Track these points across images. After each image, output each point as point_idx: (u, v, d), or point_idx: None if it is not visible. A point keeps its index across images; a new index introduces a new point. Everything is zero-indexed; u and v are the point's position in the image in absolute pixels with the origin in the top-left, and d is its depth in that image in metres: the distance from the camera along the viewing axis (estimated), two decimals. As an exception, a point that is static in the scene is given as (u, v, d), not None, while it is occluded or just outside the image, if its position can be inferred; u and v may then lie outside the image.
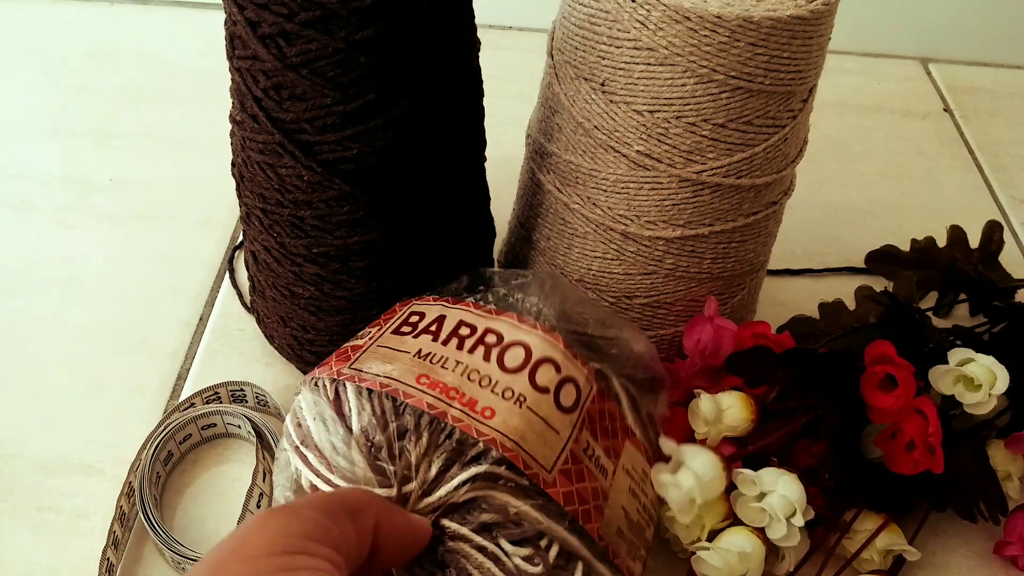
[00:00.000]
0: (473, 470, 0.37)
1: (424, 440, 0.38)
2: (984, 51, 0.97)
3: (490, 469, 0.37)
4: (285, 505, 0.31)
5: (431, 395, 0.39)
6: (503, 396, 0.40)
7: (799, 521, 0.47)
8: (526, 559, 0.37)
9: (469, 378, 0.40)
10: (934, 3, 0.95)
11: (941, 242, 0.68)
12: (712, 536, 0.49)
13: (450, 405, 0.39)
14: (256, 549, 0.28)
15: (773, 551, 0.49)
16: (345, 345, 0.45)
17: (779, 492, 0.48)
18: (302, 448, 0.41)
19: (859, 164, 0.83)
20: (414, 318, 0.44)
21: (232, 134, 0.52)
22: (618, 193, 0.51)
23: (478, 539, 0.37)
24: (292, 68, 0.44)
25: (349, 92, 0.44)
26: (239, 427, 0.55)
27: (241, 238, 0.69)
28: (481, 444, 0.38)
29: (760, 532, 0.48)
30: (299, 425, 0.42)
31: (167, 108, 0.82)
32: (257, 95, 0.46)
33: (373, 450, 0.39)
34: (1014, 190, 0.81)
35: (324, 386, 0.42)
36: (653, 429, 0.48)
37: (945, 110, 0.91)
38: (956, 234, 0.68)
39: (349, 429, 0.40)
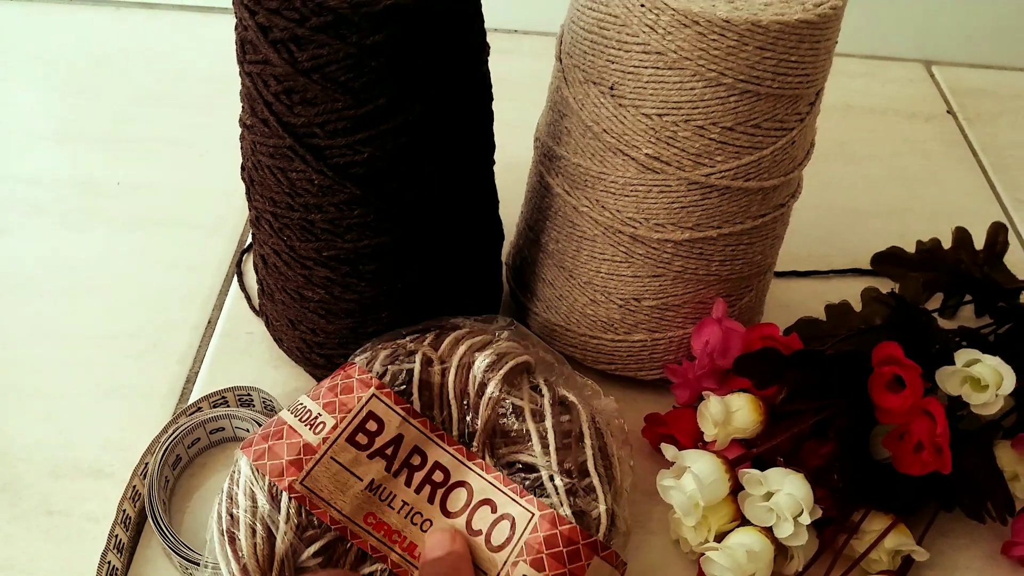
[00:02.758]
0: None
1: None
2: (987, 53, 0.98)
3: None
4: None
5: (375, 537, 0.43)
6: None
7: (806, 520, 0.47)
8: None
9: (412, 520, 0.44)
10: (937, 6, 0.95)
11: (946, 244, 0.68)
12: (721, 537, 0.49)
13: (391, 549, 0.43)
14: None
15: (782, 551, 0.49)
16: (291, 427, 0.45)
17: (785, 491, 0.48)
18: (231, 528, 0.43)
19: (864, 166, 0.83)
20: (372, 424, 0.45)
21: (242, 138, 0.52)
22: (627, 196, 0.51)
23: None
24: (303, 73, 0.44)
25: (360, 96, 0.44)
26: (248, 431, 0.55)
27: (249, 241, 0.69)
28: None
29: (768, 532, 0.48)
30: (231, 499, 0.43)
31: (175, 112, 0.82)
32: (268, 99, 0.46)
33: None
34: (1018, 191, 0.82)
35: (270, 486, 0.43)
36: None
37: (949, 112, 0.91)
38: (961, 236, 0.68)
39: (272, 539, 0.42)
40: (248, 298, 0.66)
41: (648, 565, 0.52)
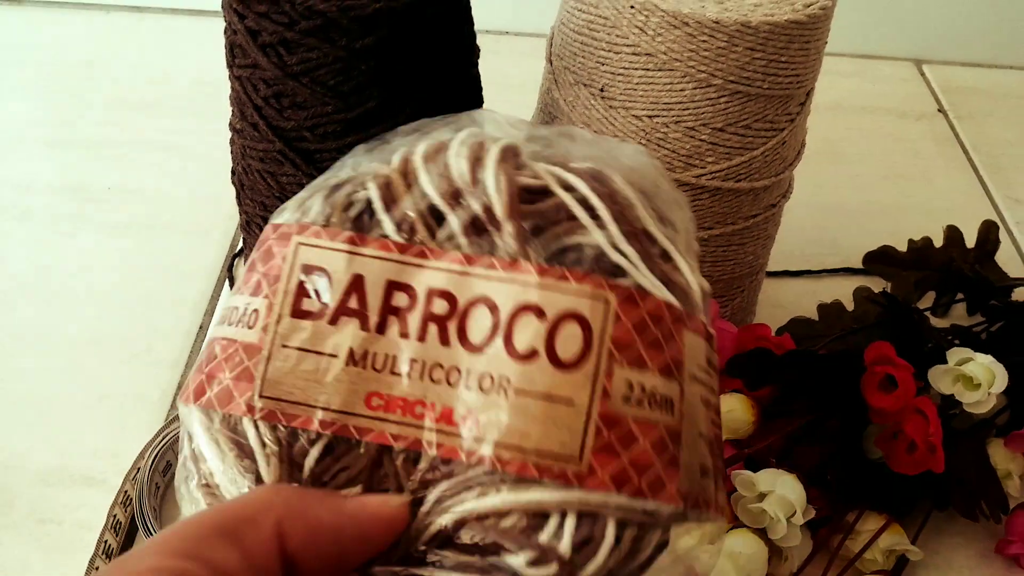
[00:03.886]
0: (470, 505, 0.28)
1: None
2: (977, 52, 0.98)
3: (492, 506, 0.27)
4: (119, 560, 0.23)
5: (391, 422, 0.29)
6: (481, 389, 0.29)
7: (799, 521, 0.47)
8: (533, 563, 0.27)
9: (433, 378, 0.29)
10: (927, 4, 0.95)
11: (938, 242, 0.68)
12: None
13: (420, 428, 0.29)
14: None
15: (776, 553, 0.49)
16: (222, 337, 0.32)
17: (778, 492, 0.48)
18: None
19: (855, 165, 0.83)
20: (314, 279, 0.31)
21: (232, 142, 0.52)
22: (618, 197, 0.51)
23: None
24: (293, 76, 0.44)
25: (350, 100, 0.44)
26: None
27: (240, 245, 0.69)
28: (471, 472, 0.28)
29: (761, 533, 0.48)
30: (195, 459, 0.32)
31: (165, 116, 0.82)
32: (257, 103, 0.46)
33: None
34: (1009, 190, 0.82)
35: (225, 422, 0.31)
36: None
37: (939, 111, 0.91)
38: (953, 234, 0.68)
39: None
40: (239, 302, 0.65)
41: (642, 567, 0.52)
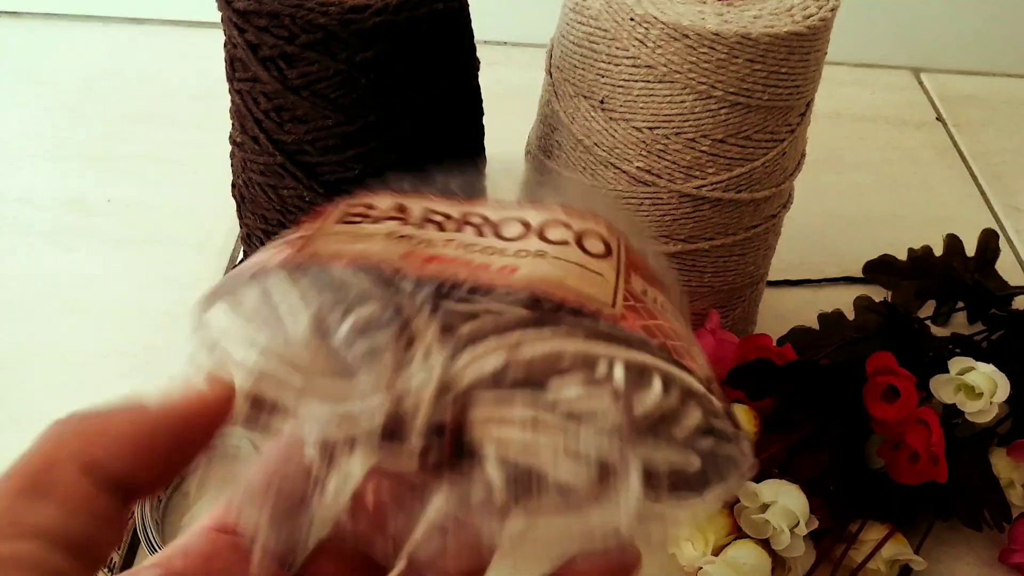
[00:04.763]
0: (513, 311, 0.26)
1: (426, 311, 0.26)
2: (975, 60, 0.98)
3: (532, 314, 0.26)
4: None
5: (428, 268, 0.27)
6: (518, 255, 0.28)
7: (803, 531, 0.47)
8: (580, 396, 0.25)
9: (468, 251, 0.28)
10: (925, 13, 0.96)
11: (938, 251, 0.68)
12: (718, 551, 0.49)
13: (456, 270, 0.27)
14: None
15: (780, 563, 0.49)
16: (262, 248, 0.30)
17: (781, 503, 0.48)
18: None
19: (854, 174, 0.83)
20: (361, 209, 0.30)
21: (232, 155, 0.52)
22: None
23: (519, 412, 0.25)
24: (293, 90, 0.44)
25: (350, 113, 0.44)
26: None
27: (241, 258, 0.69)
28: (511, 295, 0.26)
29: (765, 544, 0.48)
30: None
31: (165, 128, 0.82)
32: (258, 117, 0.46)
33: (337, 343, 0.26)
34: (1008, 198, 0.82)
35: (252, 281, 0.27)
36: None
37: (938, 119, 0.91)
38: (952, 243, 0.68)
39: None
40: (240, 315, 0.65)
41: (645, 579, 0.52)
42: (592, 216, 0.30)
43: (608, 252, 0.29)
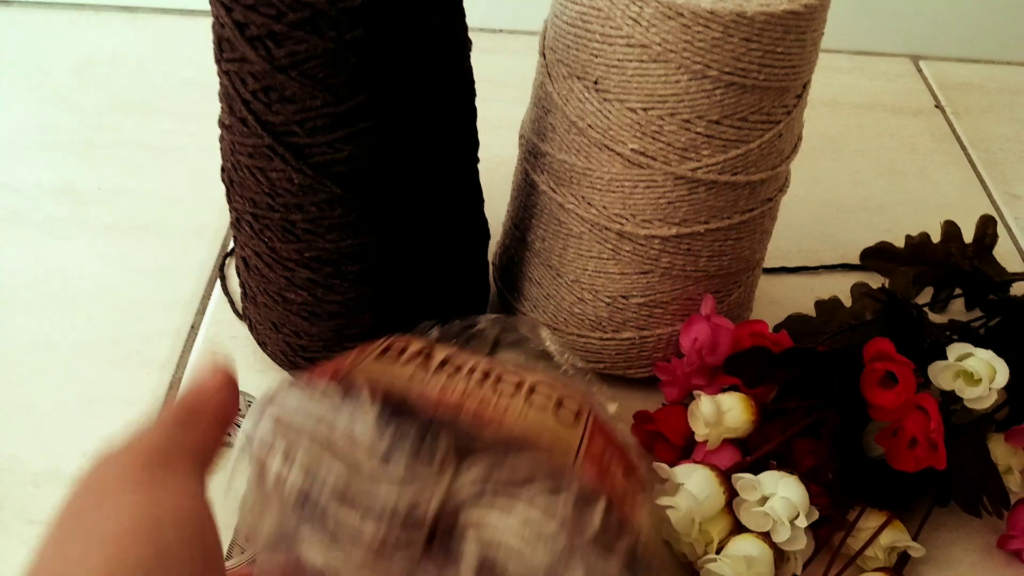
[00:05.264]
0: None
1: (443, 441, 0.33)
2: (973, 47, 0.98)
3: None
4: (120, 445, 0.30)
5: (445, 397, 0.35)
6: (512, 406, 0.35)
7: (803, 523, 0.47)
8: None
9: (474, 391, 0.35)
10: (923, 0, 0.95)
11: (935, 238, 0.68)
12: (720, 547, 0.48)
13: (466, 402, 0.34)
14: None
15: (779, 554, 0.48)
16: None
17: (780, 495, 0.47)
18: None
19: (853, 161, 0.82)
20: (397, 345, 0.38)
21: (221, 139, 0.51)
22: (613, 192, 0.50)
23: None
24: (281, 70, 0.43)
25: (339, 93, 0.43)
26: (231, 436, 0.54)
27: (232, 245, 0.68)
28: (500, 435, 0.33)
29: (766, 536, 0.48)
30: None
31: (156, 116, 0.81)
32: (246, 98, 0.46)
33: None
34: (1007, 185, 0.81)
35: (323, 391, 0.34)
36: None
37: (937, 106, 0.91)
38: (950, 229, 0.68)
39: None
40: (231, 302, 0.65)
41: None
42: (573, 388, 0.38)
43: (577, 418, 0.36)
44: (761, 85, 0.46)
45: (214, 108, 0.50)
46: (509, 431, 0.33)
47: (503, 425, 0.33)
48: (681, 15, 0.44)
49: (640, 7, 0.44)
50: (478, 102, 0.52)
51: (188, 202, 0.73)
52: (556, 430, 0.35)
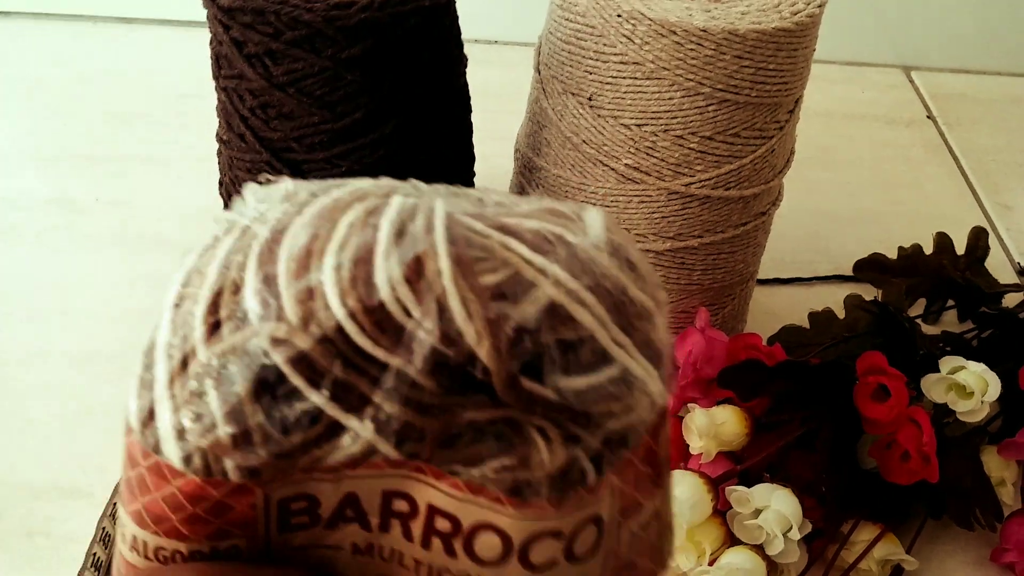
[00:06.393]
0: None
1: None
2: (965, 58, 0.98)
3: None
4: None
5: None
6: None
7: (796, 536, 0.47)
8: None
9: None
10: (915, 11, 0.96)
11: (928, 249, 0.68)
12: (714, 560, 0.49)
13: None
14: None
15: (774, 567, 0.49)
16: None
17: (774, 507, 0.48)
18: None
19: (845, 172, 0.83)
20: (297, 504, 0.25)
21: (219, 153, 0.51)
22: (607, 207, 0.51)
23: None
24: (279, 87, 0.44)
25: (337, 110, 0.44)
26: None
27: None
28: None
29: (759, 549, 0.48)
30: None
31: (153, 128, 0.82)
32: (244, 114, 0.46)
33: None
34: (998, 195, 0.82)
35: None
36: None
37: (929, 117, 0.91)
38: (942, 241, 0.68)
39: None
40: (228, 315, 0.65)
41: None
42: (588, 492, 0.24)
43: (597, 546, 0.25)
44: (753, 101, 0.47)
45: (212, 120, 0.51)
46: None
47: None
48: (674, 33, 0.44)
49: (633, 25, 0.45)
50: (473, 113, 0.52)
51: (185, 214, 0.73)
52: None
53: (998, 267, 0.71)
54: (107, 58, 0.90)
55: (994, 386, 0.50)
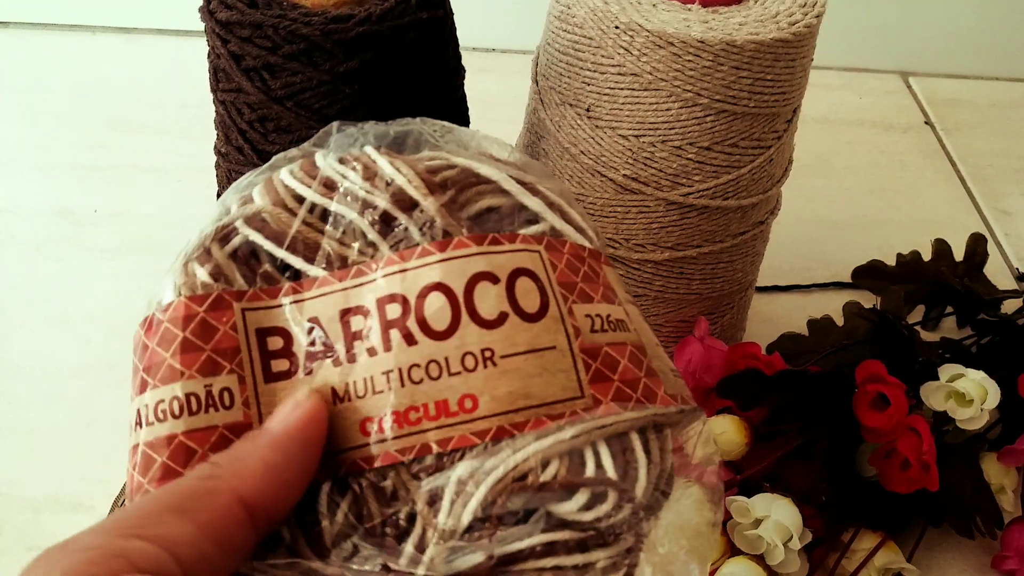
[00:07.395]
0: (500, 471, 0.26)
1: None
2: (962, 63, 0.98)
3: (525, 462, 0.27)
4: (64, 541, 0.23)
5: (391, 439, 0.27)
6: (466, 368, 0.28)
7: (796, 545, 0.47)
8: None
9: (413, 380, 0.28)
10: (912, 17, 0.96)
11: (926, 256, 0.68)
12: (714, 573, 0.49)
13: (423, 432, 0.27)
14: None
15: None
16: (193, 429, 0.28)
17: (774, 517, 0.48)
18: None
19: (843, 179, 0.83)
20: (276, 340, 0.29)
21: (217, 166, 0.51)
22: (606, 217, 0.51)
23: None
24: (277, 100, 0.44)
25: (335, 123, 0.44)
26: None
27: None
28: (478, 447, 0.27)
29: (760, 559, 0.48)
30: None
31: (152, 138, 0.82)
32: (242, 127, 0.46)
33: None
34: (997, 201, 0.82)
35: None
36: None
37: (926, 123, 0.91)
38: (941, 247, 0.68)
39: None
40: (228, 325, 0.65)
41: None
42: (508, 241, 0.30)
43: (544, 299, 0.29)
44: (751, 112, 0.47)
45: (211, 130, 0.51)
46: (493, 425, 0.27)
47: (481, 432, 0.27)
48: (671, 44, 0.44)
49: (631, 36, 0.45)
50: (472, 123, 0.52)
51: (184, 224, 0.73)
52: (537, 356, 0.28)
53: (997, 273, 0.71)
54: (107, 68, 0.90)
55: (993, 393, 0.50)
